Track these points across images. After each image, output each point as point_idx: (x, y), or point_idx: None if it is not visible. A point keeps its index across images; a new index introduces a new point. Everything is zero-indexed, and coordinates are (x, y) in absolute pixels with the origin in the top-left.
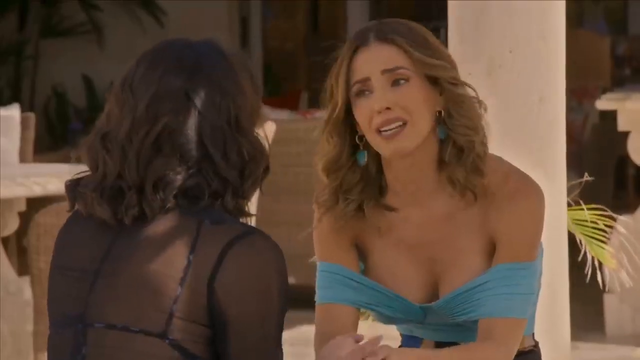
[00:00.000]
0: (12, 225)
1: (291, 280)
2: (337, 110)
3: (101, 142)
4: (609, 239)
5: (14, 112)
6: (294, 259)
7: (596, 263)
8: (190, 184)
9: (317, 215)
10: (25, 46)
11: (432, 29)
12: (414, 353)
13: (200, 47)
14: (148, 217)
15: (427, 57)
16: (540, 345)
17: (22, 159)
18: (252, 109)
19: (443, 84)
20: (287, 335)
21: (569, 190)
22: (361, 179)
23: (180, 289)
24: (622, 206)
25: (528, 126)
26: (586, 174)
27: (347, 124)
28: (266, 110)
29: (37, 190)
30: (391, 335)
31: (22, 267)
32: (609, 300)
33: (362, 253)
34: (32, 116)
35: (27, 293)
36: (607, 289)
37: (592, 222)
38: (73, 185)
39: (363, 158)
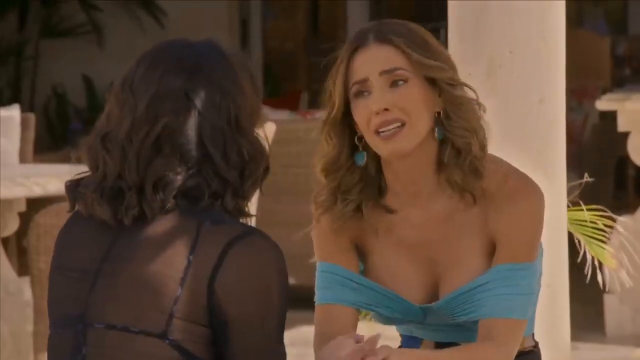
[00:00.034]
0: (12, 225)
1: (291, 280)
2: (334, 111)
3: (101, 143)
4: (609, 239)
5: (14, 112)
6: (294, 259)
7: (596, 263)
8: (190, 184)
9: (315, 216)
10: (25, 46)
11: (432, 29)
12: (413, 353)
13: (200, 47)
14: (148, 217)
15: (426, 58)
16: (540, 346)
17: (22, 159)
18: (252, 109)
19: (441, 85)
20: (287, 335)
21: (569, 191)
22: (360, 179)
23: (180, 289)
24: (622, 206)
25: (528, 126)
26: (586, 174)
27: (346, 124)
28: (266, 110)
29: (37, 191)
30: (391, 335)
31: (22, 267)
32: (609, 301)
33: (362, 253)
34: (32, 116)
35: (27, 293)
36: (607, 289)
37: (592, 222)
38: (73, 186)
39: (362, 159)
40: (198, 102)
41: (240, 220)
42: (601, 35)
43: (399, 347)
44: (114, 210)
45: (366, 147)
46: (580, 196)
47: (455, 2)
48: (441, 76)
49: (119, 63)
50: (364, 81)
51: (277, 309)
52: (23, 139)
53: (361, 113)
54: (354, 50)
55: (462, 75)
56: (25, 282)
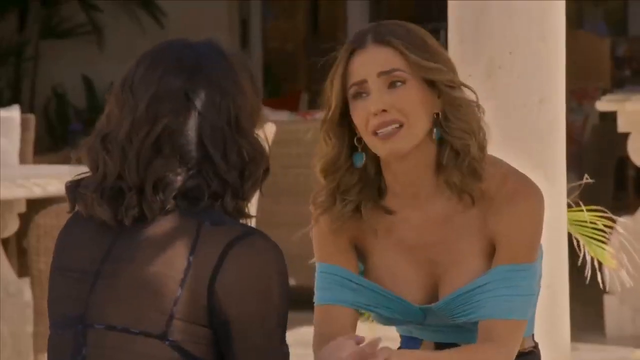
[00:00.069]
0: (12, 226)
1: (291, 281)
2: (331, 112)
3: (101, 143)
4: (609, 239)
5: (14, 113)
6: (294, 260)
7: (596, 264)
8: (190, 185)
9: (314, 216)
10: (25, 47)
11: (432, 30)
12: (414, 355)
13: (200, 48)
14: (148, 218)
15: (424, 59)
16: (540, 346)
17: (22, 160)
18: (252, 109)
19: (440, 86)
20: (286, 336)
21: (569, 192)
22: (359, 180)
23: (181, 290)
24: (622, 207)
25: (528, 127)
26: (586, 175)
27: (346, 125)
28: (266, 111)
29: (37, 192)
30: (391, 336)
31: (22, 268)
32: (609, 301)
33: (361, 254)
34: (32, 117)
35: (27, 294)
36: (607, 290)
37: (592, 223)
38: (73, 187)
39: (360, 160)
40: (198, 102)
41: (240, 221)
42: (601, 36)
43: (399, 347)
44: (114, 210)
45: (365, 148)
46: (580, 197)
47: (455, 2)
48: (440, 78)
49: (119, 63)
50: (362, 82)
51: (277, 309)
52: (23, 140)
53: (359, 114)
54: (353, 51)
55: (462, 75)
56: (25, 283)
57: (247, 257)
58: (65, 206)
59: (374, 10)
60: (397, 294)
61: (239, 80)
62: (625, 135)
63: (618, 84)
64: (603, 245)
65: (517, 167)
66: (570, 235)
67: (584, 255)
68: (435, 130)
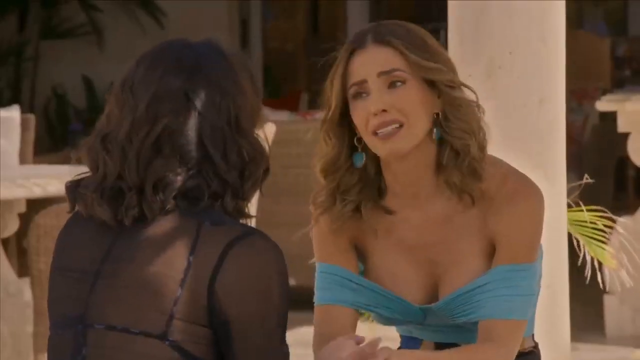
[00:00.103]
0: (12, 226)
1: (291, 281)
2: (331, 112)
3: (101, 143)
4: (609, 240)
5: (14, 113)
6: (294, 260)
7: (596, 264)
8: (190, 185)
9: (314, 216)
10: (25, 47)
11: (432, 30)
12: (414, 355)
13: (200, 48)
14: (148, 218)
15: (424, 59)
16: (540, 347)
17: (22, 160)
18: (252, 109)
19: (440, 86)
20: (287, 336)
21: (569, 192)
22: (359, 180)
23: (181, 290)
24: (622, 207)
25: (528, 127)
26: (586, 175)
27: (346, 125)
28: (266, 111)
29: (37, 192)
30: (391, 336)
31: (22, 268)
32: (609, 301)
33: (361, 254)
34: (32, 117)
35: (27, 294)
36: (607, 290)
37: (592, 223)
38: (73, 187)
39: (360, 160)
40: (198, 102)
41: (240, 221)
42: (601, 36)
43: (399, 347)
44: (114, 210)
45: (365, 148)
46: (580, 197)
47: (455, 2)
48: (439, 78)
49: (119, 64)
50: (362, 82)
51: (277, 309)
52: (23, 140)
53: (359, 114)
54: (353, 51)
55: (462, 76)
56: (25, 283)
57: (247, 257)
58: (65, 206)
59: (374, 10)
60: (397, 294)
61: (239, 80)
62: (625, 136)
63: (618, 84)
64: (603, 245)
65: (517, 167)
66: (570, 235)
67: (584, 255)
68: (435, 130)
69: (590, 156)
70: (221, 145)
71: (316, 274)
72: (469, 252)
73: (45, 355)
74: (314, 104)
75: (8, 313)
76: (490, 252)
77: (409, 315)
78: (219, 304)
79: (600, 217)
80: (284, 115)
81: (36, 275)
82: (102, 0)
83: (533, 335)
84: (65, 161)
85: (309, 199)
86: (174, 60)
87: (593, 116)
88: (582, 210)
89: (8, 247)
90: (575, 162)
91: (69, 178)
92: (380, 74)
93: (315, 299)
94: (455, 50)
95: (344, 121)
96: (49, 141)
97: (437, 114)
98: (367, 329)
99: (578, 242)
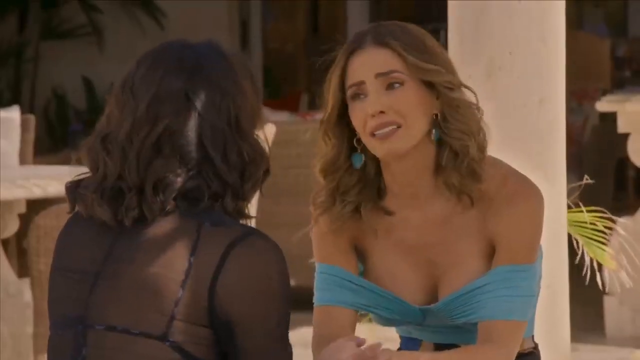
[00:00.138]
0: (12, 227)
1: (291, 281)
2: (329, 113)
3: (101, 144)
4: (608, 240)
5: (14, 114)
6: (294, 260)
7: (595, 265)
8: (190, 186)
9: (314, 216)
10: (25, 48)
11: (432, 30)
12: (414, 356)
13: (200, 48)
14: (148, 219)
15: (423, 61)
16: (540, 347)
17: (22, 160)
18: (252, 110)
19: (438, 88)
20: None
21: (569, 192)
22: (359, 181)
23: (182, 291)
24: (622, 208)
25: (528, 128)
26: (586, 176)
27: (345, 126)
28: (266, 112)
29: (37, 192)
30: (390, 337)
31: (22, 269)
32: (608, 302)
33: (361, 255)
34: (32, 118)
35: (27, 295)
36: (607, 290)
37: (591, 224)
38: (73, 187)
39: (359, 161)
40: (198, 103)
41: (240, 221)
42: (601, 37)
43: (398, 348)
44: (114, 211)
45: (365, 149)
46: (580, 197)
47: (455, 2)
48: (438, 79)
49: (119, 64)
50: (360, 84)
51: (279, 309)
52: (23, 141)
53: (357, 115)
54: (351, 52)
55: (462, 76)
56: (25, 284)
57: (248, 257)
58: (65, 207)
59: (374, 10)
60: (397, 295)
61: (239, 80)
62: (625, 136)
63: (618, 85)
64: (603, 246)
65: (517, 168)
66: (570, 236)
67: (583, 255)
68: (434, 131)
69: (590, 157)
70: (221, 146)
71: (316, 275)
72: (468, 253)
73: (45, 355)
74: (313, 105)
75: (8, 314)
76: (490, 253)
77: (408, 316)
78: (221, 305)
79: (600, 217)
80: (284, 116)
81: (36, 276)
82: (102, 1)
83: (533, 336)
84: (65, 162)
85: (308, 199)
86: (175, 60)
87: (593, 117)
88: (582, 211)
89: (8, 248)
90: (575, 163)
91: (69, 179)
92: (378, 75)
93: (315, 299)
94: (455, 50)
95: (344, 122)
96: (49, 142)
97: (436, 115)
98: (367, 330)
99: (578, 242)
